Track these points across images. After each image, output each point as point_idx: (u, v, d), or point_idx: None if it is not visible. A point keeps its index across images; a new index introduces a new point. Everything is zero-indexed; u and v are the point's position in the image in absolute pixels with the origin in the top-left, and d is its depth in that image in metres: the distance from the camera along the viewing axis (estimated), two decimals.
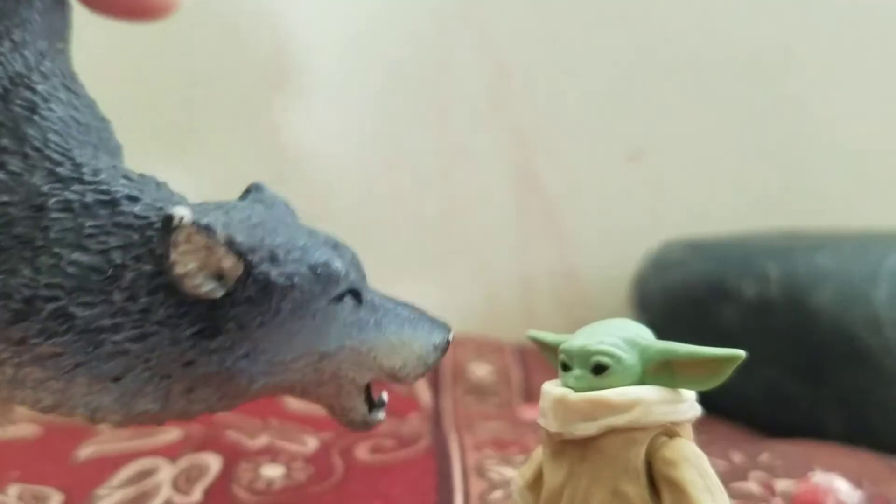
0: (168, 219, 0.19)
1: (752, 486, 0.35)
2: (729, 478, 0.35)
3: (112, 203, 0.20)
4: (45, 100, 0.21)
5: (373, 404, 0.23)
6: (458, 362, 0.56)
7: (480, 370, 0.56)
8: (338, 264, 0.21)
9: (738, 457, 0.38)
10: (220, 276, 0.20)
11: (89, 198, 0.20)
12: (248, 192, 0.23)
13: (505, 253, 0.71)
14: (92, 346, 0.20)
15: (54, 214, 0.20)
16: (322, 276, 0.21)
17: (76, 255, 0.19)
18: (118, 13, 0.23)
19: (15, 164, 0.20)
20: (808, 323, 0.45)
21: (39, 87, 0.21)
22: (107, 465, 0.34)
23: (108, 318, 0.20)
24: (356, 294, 0.22)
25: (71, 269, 0.19)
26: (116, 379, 0.20)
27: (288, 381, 0.21)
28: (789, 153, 0.68)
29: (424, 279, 0.71)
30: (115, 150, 0.23)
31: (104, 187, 0.20)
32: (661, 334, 0.22)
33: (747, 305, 0.48)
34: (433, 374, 0.55)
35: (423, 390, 0.53)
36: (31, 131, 0.20)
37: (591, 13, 0.68)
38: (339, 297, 0.21)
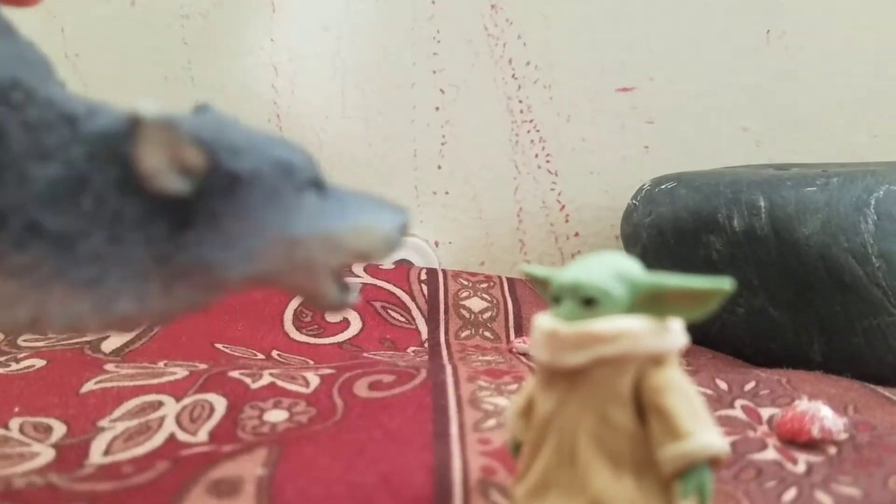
0: (135, 115, 0.19)
1: (738, 413, 0.36)
2: (716, 405, 0.36)
3: (71, 120, 0.20)
4: None
5: (343, 287, 0.24)
6: (453, 296, 0.57)
7: (475, 304, 0.57)
8: (296, 156, 0.22)
9: (724, 385, 0.39)
10: (186, 173, 0.20)
11: (49, 116, 0.20)
12: (197, 111, 0.24)
13: (499, 187, 0.71)
14: (66, 253, 0.20)
15: (15, 133, 0.20)
16: (283, 168, 0.22)
17: (41, 168, 0.20)
18: None
19: None
20: (795, 253, 0.46)
21: None
22: (110, 398, 0.35)
23: (79, 225, 0.20)
24: (317, 185, 0.23)
25: (37, 182, 0.20)
26: (93, 284, 0.20)
27: (264, 271, 0.22)
28: (779, 88, 0.67)
29: (422, 214, 0.71)
30: (62, 85, 0.23)
31: (60, 107, 0.21)
32: (650, 265, 0.23)
33: (735, 237, 0.48)
34: (430, 309, 0.55)
35: (421, 324, 0.54)
36: None
37: None
38: (302, 187, 0.22)
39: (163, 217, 0.20)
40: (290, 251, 0.22)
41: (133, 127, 0.19)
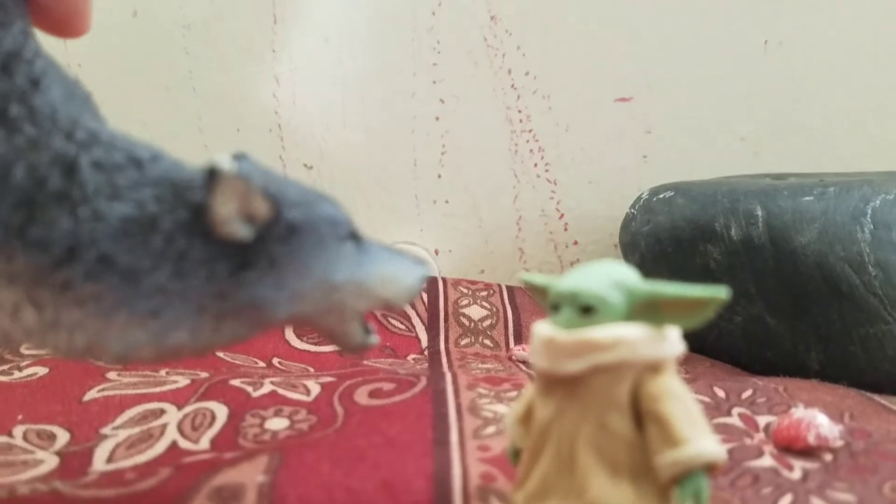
0: (214, 168, 0.21)
1: (735, 420, 0.36)
2: (713, 413, 0.36)
3: (138, 163, 0.22)
4: (44, 74, 0.22)
5: (366, 330, 0.26)
6: (453, 304, 0.57)
7: (475, 312, 0.57)
8: (339, 211, 0.24)
9: (721, 393, 0.39)
10: (250, 221, 0.22)
11: (117, 158, 0.22)
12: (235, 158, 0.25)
13: (499, 195, 0.71)
14: (132, 285, 0.21)
15: (87, 172, 0.21)
16: (330, 220, 0.24)
17: (114, 206, 0.21)
18: (43, 28, 0.24)
19: (30, 130, 0.21)
20: (792, 262, 0.46)
21: (36, 63, 0.22)
22: (113, 406, 0.35)
23: (147, 260, 0.21)
24: (354, 237, 0.25)
25: (111, 219, 0.21)
26: (154, 315, 0.22)
27: (303, 311, 0.24)
28: (777, 98, 0.68)
29: (421, 222, 0.72)
30: (104, 121, 0.24)
31: (125, 149, 0.22)
32: (648, 274, 0.23)
33: (733, 246, 0.48)
34: (430, 317, 0.56)
35: (421, 332, 0.54)
36: (38, 102, 0.21)
37: None
38: (343, 238, 0.24)
39: (225, 258, 0.22)
40: (328, 295, 0.24)
41: (211, 178, 0.21)
